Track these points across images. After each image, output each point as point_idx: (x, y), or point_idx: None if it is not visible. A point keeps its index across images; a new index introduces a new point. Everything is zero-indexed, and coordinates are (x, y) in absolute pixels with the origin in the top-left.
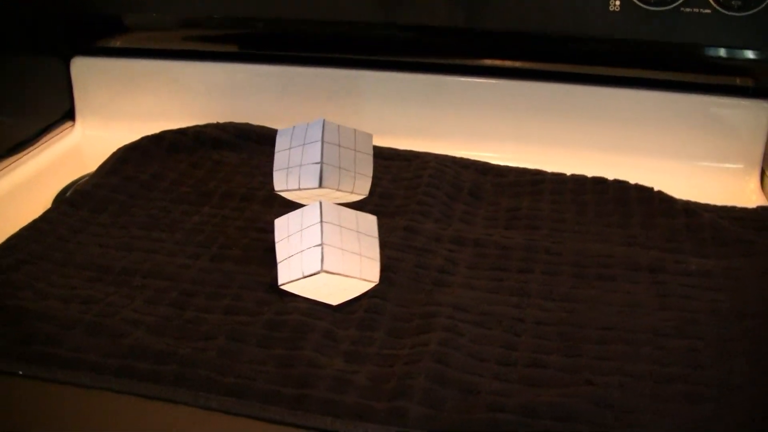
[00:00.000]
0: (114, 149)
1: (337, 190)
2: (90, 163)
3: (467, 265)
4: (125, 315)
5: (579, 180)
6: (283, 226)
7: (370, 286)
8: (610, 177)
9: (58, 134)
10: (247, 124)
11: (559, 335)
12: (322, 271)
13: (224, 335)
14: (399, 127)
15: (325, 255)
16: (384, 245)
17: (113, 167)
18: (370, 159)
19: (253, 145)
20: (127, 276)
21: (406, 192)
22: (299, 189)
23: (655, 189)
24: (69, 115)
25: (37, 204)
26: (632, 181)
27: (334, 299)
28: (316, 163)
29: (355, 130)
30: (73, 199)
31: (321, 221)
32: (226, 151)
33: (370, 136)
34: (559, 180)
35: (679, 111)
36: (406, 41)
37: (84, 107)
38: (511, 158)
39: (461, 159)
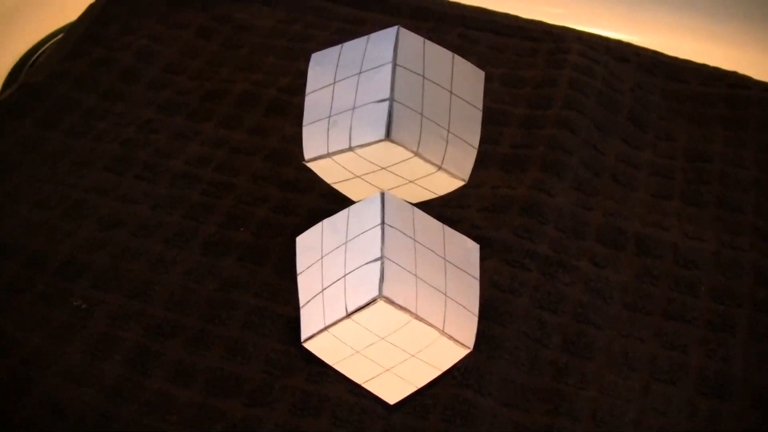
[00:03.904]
0: None
1: (417, 155)
2: None
3: (625, 301)
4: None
5: None
6: (311, 244)
7: (459, 356)
8: None
9: None
10: None
11: None
12: (380, 297)
13: None
14: None
15: (388, 274)
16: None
17: (88, 33)
18: (478, 115)
19: None
20: (67, 281)
21: (526, 113)
22: (349, 149)
23: None
24: None
25: None
26: None
27: (391, 389)
28: (382, 100)
29: (453, 55)
30: (16, 101)
31: (383, 222)
32: (257, 6)
33: (480, 75)
34: None
35: None
36: None
37: None
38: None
39: (617, 43)
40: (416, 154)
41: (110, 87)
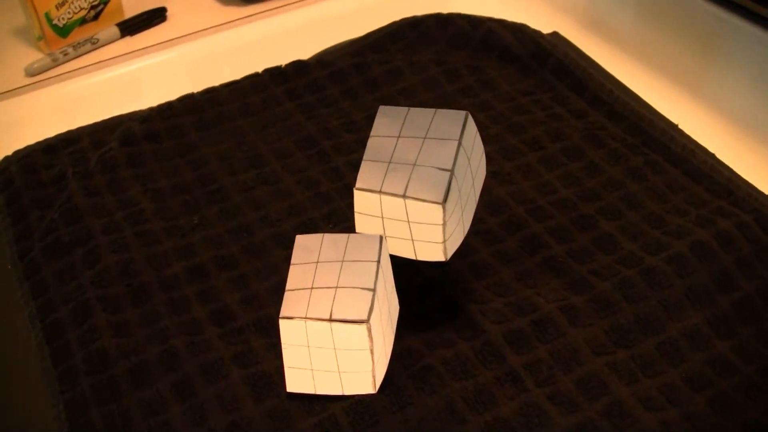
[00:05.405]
0: None
1: (444, 225)
2: None
3: None
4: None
5: None
6: (309, 247)
7: (364, 392)
8: None
9: None
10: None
11: None
12: (365, 323)
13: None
14: None
15: (375, 307)
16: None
17: (373, 43)
18: (474, 208)
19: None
20: (208, 201)
21: (633, 250)
22: (402, 196)
23: None
24: None
25: None
26: None
27: (298, 381)
28: (445, 169)
29: (483, 151)
30: (281, 72)
31: (378, 261)
32: (514, 71)
33: (484, 174)
34: None
35: None
36: None
37: None
38: None
39: None
40: (444, 224)
41: (353, 86)
